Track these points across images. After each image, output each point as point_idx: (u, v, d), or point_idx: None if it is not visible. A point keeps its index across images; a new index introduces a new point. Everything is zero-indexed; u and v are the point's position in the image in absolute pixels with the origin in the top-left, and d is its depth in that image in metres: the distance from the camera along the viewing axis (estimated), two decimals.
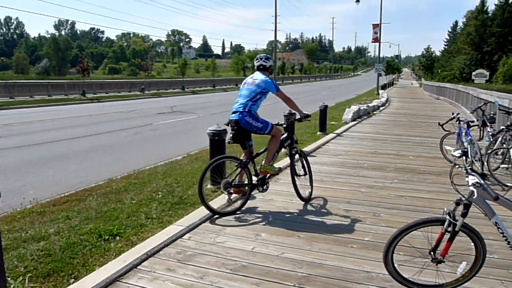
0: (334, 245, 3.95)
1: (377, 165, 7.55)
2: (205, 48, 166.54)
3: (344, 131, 11.99)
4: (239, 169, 4.83)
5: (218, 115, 18.13)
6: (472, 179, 2.70)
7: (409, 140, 10.54)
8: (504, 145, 7.00)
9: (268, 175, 5.13)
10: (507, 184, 6.09)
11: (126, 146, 10.64)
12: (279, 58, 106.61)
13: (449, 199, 5.47)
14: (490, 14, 69.86)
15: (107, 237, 4.03)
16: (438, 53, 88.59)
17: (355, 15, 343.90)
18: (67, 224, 4.43)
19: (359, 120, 14.68)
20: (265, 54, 5.31)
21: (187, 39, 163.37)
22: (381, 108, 20.01)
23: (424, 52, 78.66)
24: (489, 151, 6.73)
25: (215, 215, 4.64)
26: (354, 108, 15.38)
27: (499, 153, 6.89)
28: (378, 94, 32.15)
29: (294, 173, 5.13)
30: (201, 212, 4.69)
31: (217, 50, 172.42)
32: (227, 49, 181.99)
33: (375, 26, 34.38)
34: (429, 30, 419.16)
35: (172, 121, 15.76)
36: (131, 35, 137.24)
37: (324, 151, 8.91)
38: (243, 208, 4.87)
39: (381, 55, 37.96)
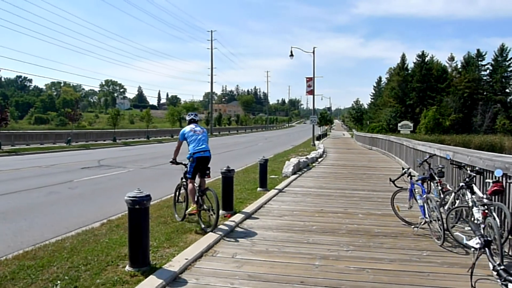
0: None
1: (327, 227, 6.74)
2: (141, 99, 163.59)
3: (286, 186, 11.24)
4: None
5: (150, 170, 16.71)
6: None
7: (354, 195, 9.99)
8: (458, 202, 6.59)
9: None
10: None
11: (34, 210, 8.92)
12: (216, 110, 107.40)
13: (415, 270, 4.75)
14: (410, 71, 76.57)
15: None
16: (366, 106, 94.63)
17: (288, 69, 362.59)
18: None
19: (300, 173, 14.10)
20: (194, 112, 7.76)
21: (121, 90, 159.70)
22: (319, 160, 19.78)
23: (354, 105, 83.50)
24: (447, 209, 6.26)
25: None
26: (294, 160, 14.85)
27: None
28: (315, 145, 32.47)
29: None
30: None
31: (153, 101, 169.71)
32: (163, 100, 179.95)
33: (308, 79, 35.42)
34: (355, 85, 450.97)
35: (97, 177, 14.05)
36: (62, 84, 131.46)
37: (267, 212, 7.98)
38: None
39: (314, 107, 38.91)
